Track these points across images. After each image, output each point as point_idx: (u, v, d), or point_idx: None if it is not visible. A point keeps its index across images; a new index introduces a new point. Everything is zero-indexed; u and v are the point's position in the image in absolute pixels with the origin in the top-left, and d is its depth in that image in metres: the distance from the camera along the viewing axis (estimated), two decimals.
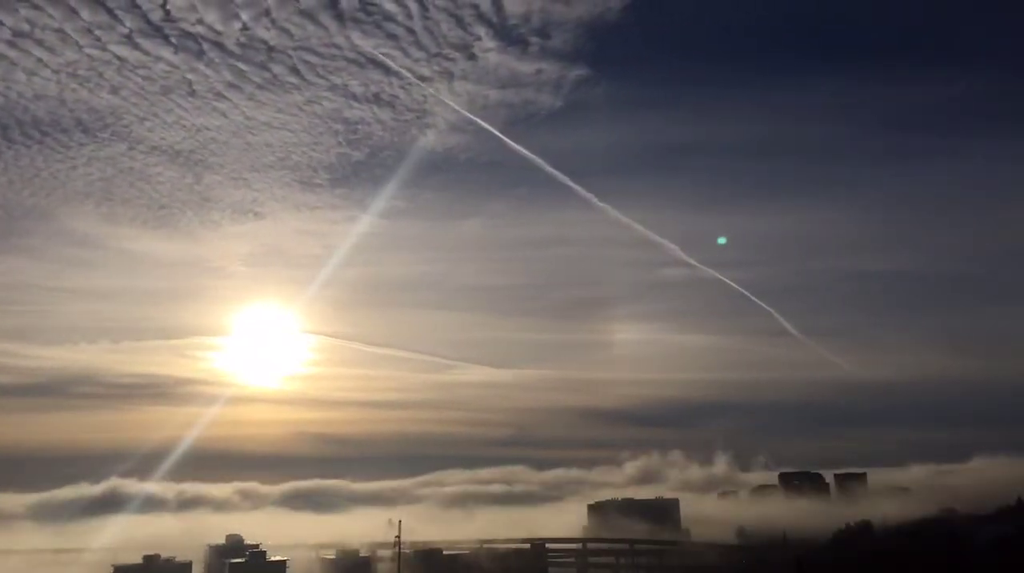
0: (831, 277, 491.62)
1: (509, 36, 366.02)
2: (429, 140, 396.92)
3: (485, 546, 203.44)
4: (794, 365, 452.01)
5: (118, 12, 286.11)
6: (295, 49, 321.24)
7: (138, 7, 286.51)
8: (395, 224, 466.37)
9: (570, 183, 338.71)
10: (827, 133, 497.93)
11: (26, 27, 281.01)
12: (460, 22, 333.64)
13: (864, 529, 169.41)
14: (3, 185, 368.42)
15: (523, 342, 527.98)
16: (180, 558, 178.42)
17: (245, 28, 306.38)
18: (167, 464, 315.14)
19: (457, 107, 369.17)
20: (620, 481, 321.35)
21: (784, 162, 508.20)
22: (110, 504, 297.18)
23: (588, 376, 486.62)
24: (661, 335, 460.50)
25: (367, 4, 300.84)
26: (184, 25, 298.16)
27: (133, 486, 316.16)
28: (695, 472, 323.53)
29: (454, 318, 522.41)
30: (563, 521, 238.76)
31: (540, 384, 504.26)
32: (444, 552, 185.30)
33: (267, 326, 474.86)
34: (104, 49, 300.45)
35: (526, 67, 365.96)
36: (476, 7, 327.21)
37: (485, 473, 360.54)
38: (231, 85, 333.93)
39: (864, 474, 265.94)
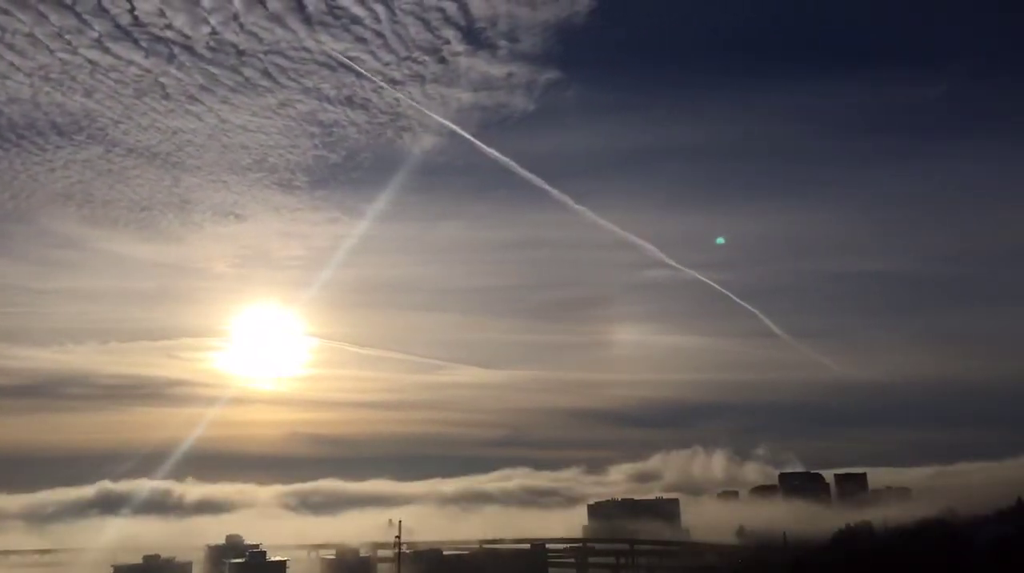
0: (813, 278, 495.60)
1: (478, 39, 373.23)
2: (406, 143, 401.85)
3: (485, 546, 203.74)
4: (783, 366, 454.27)
5: (87, 16, 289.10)
6: (265, 53, 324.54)
7: (106, 11, 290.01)
8: (377, 226, 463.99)
9: (546, 186, 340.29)
10: (802, 134, 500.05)
11: None
12: (428, 25, 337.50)
13: (864, 530, 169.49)
14: None
15: (511, 343, 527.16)
16: (180, 559, 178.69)
17: (214, 32, 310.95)
18: (163, 464, 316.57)
19: (430, 110, 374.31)
20: (619, 482, 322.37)
21: (760, 164, 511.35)
22: (103, 505, 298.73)
23: (579, 377, 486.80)
24: (649, 336, 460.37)
25: (334, 7, 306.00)
26: (153, 29, 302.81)
27: (128, 487, 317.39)
28: (694, 472, 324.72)
29: (441, 319, 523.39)
30: (563, 521, 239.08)
31: (532, 385, 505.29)
32: (444, 552, 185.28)
33: (256, 327, 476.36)
34: (75, 53, 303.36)
35: (497, 70, 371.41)
36: (442, 11, 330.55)
37: (483, 473, 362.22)
38: (203, 88, 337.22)
39: (864, 475, 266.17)
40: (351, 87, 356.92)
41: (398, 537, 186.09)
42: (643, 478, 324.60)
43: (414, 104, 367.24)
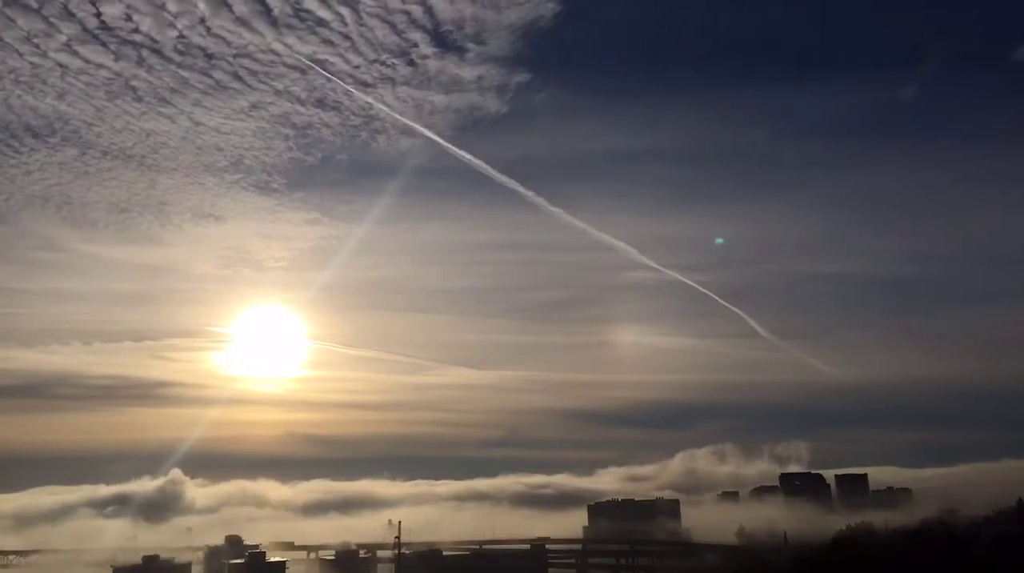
0: (792, 280, 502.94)
1: (445, 42, 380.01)
2: (380, 145, 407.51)
3: (485, 547, 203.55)
4: (772, 367, 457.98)
5: (54, 20, 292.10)
6: (234, 56, 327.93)
7: (73, 15, 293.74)
8: (358, 228, 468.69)
9: (521, 189, 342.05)
10: (777, 136, 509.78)
11: None
12: (394, 28, 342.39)
13: (864, 530, 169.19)
14: None
15: (499, 344, 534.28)
16: (179, 559, 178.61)
17: (181, 36, 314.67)
18: (159, 465, 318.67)
19: (403, 113, 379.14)
20: (619, 481, 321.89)
21: (734, 166, 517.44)
22: (99, 505, 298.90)
23: (570, 378, 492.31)
24: (636, 337, 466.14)
25: (299, 10, 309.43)
26: (121, 33, 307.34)
27: (127, 487, 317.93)
28: (695, 471, 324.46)
29: (428, 320, 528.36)
30: (562, 521, 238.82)
31: (522, 386, 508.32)
32: (444, 552, 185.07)
33: (243, 328, 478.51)
34: (45, 56, 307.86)
35: (467, 72, 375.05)
36: (408, 13, 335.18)
37: (482, 473, 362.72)
38: (174, 91, 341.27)
39: (864, 475, 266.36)
40: (322, 90, 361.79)
41: (398, 537, 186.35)
42: (671, 477, 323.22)
43: (385, 108, 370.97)
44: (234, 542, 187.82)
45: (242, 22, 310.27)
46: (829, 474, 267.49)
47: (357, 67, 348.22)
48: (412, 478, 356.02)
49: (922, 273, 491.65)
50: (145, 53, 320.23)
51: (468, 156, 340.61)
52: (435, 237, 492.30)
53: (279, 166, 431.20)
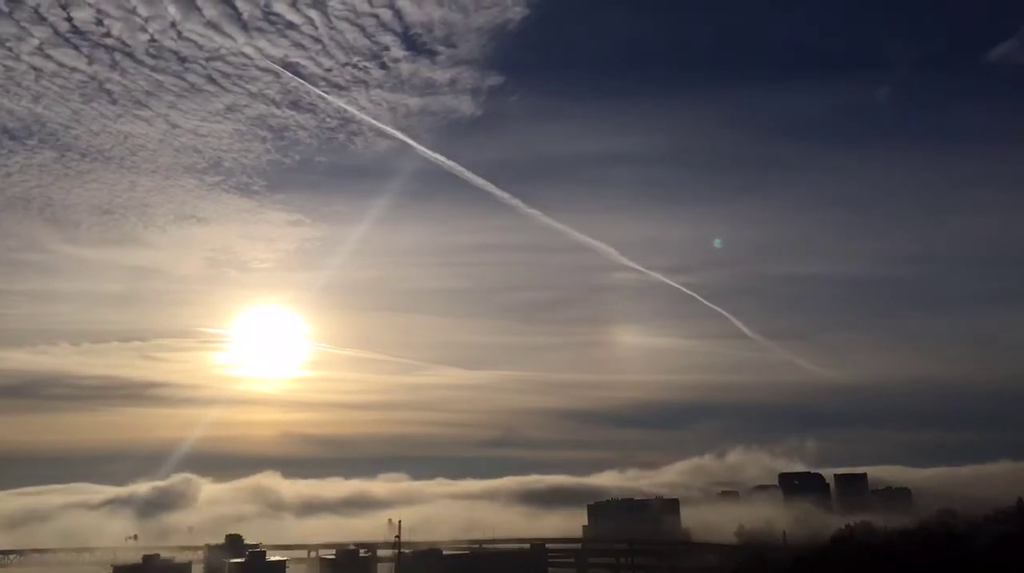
0: (773, 281, 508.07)
1: (416, 45, 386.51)
2: (358, 147, 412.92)
3: (485, 546, 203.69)
4: (760, 368, 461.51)
5: (25, 24, 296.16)
6: (207, 59, 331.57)
7: (44, 19, 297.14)
8: (340, 229, 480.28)
9: (498, 191, 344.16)
10: (747, 140, 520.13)
11: None
12: (364, 31, 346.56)
13: (864, 530, 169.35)
14: None
15: (487, 344, 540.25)
16: (179, 559, 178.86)
17: (153, 40, 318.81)
18: (156, 464, 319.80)
19: (377, 115, 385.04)
20: (617, 481, 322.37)
21: (709, 169, 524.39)
22: (96, 504, 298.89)
23: (561, 377, 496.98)
24: (623, 338, 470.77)
25: (269, 14, 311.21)
26: (93, 37, 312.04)
27: (124, 486, 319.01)
28: (695, 471, 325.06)
29: (415, 320, 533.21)
30: (562, 521, 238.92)
31: (515, 386, 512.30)
32: (444, 552, 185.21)
33: (232, 328, 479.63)
34: (19, 59, 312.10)
35: (439, 75, 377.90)
36: (376, 16, 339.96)
37: (480, 473, 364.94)
38: (149, 93, 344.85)
39: (864, 475, 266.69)
40: (296, 92, 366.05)
41: (398, 537, 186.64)
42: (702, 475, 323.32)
43: (357, 113, 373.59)
44: (234, 541, 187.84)
45: (212, 26, 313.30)
46: (828, 474, 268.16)
47: (329, 70, 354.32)
48: (411, 478, 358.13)
49: (904, 274, 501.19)
50: (118, 56, 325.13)
51: (444, 159, 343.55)
52: (416, 239, 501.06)
53: (258, 168, 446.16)
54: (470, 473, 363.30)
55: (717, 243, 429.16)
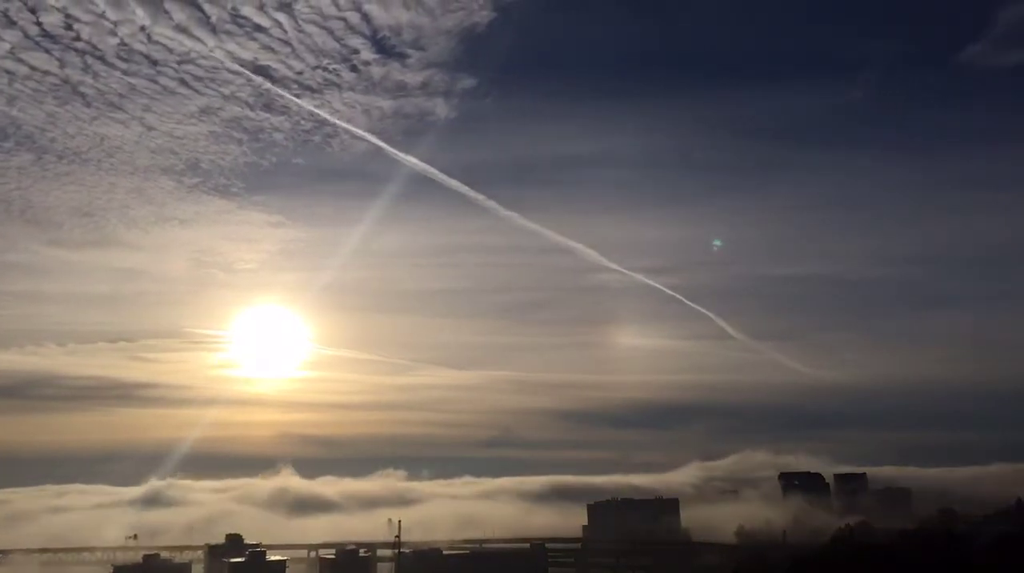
0: (753, 282, 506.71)
1: (386, 48, 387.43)
2: (335, 148, 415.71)
3: (484, 546, 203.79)
4: (749, 368, 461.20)
5: None
6: (179, 62, 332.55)
7: (14, 22, 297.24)
8: (321, 231, 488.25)
9: (474, 193, 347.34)
10: (722, 142, 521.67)
11: None
12: (333, 34, 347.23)
13: (864, 529, 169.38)
14: None
15: (476, 345, 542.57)
16: (179, 559, 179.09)
17: (123, 43, 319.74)
18: (153, 464, 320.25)
19: (351, 118, 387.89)
20: (617, 481, 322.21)
21: (681, 171, 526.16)
22: (95, 504, 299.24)
23: (553, 378, 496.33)
24: (610, 338, 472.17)
25: (237, 16, 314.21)
26: (64, 41, 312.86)
27: (122, 486, 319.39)
28: (695, 471, 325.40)
29: (403, 321, 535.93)
30: (562, 521, 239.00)
31: (506, 386, 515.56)
32: (444, 552, 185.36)
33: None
34: None
35: (411, 78, 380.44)
36: (344, 19, 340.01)
37: (478, 473, 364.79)
38: (123, 96, 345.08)
39: (864, 475, 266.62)
40: (268, 95, 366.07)
41: (398, 536, 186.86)
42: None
43: (329, 117, 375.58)
44: (234, 541, 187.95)
45: (182, 29, 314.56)
46: (828, 474, 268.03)
47: (301, 73, 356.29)
48: (410, 478, 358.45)
49: (884, 275, 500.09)
50: (89, 60, 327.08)
51: (420, 163, 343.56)
52: (397, 240, 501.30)
53: (236, 170, 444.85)
54: (469, 473, 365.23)
55: (717, 244, 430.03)
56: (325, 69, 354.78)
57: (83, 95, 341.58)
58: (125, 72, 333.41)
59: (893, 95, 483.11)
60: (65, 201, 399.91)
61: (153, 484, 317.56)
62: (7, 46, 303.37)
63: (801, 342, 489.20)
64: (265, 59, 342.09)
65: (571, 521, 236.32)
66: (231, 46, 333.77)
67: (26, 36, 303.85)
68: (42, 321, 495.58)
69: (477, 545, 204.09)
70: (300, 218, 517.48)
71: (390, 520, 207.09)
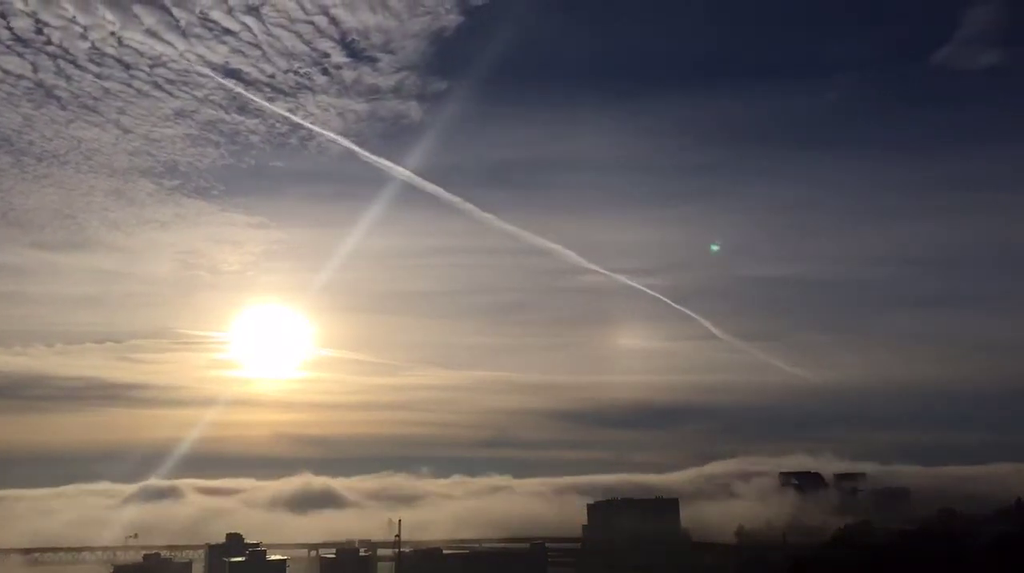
0: (733, 283, 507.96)
1: (355, 52, 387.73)
2: (311, 151, 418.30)
3: (485, 546, 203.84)
4: (738, 369, 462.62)
5: None
6: (150, 66, 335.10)
7: None
8: (303, 232, 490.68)
9: (451, 196, 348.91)
10: (691, 145, 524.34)
11: None
12: (302, 38, 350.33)
13: (863, 529, 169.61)
14: None
15: (464, 345, 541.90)
16: (179, 558, 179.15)
17: (94, 48, 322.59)
18: (150, 464, 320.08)
19: (326, 121, 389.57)
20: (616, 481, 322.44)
21: (654, 174, 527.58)
22: (94, 504, 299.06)
23: (544, 378, 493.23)
24: (595, 339, 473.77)
25: (206, 20, 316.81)
26: (35, 45, 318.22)
27: (121, 486, 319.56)
28: (694, 471, 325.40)
29: (391, 322, 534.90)
30: (562, 521, 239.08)
31: (499, 386, 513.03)
32: (444, 552, 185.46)
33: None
34: None
35: (383, 81, 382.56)
36: (312, 23, 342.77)
37: (476, 473, 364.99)
38: (97, 99, 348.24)
39: (863, 475, 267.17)
40: (242, 98, 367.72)
41: (398, 537, 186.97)
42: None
43: (302, 121, 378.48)
44: (234, 540, 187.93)
45: (152, 33, 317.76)
46: (828, 473, 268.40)
47: (272, 76, 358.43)
48: (409, 478, 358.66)
49: (864, 276, 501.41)
50: (62, 63, 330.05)
51: (395, 166, 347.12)
52: (379, 242, 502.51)
53: (215, 172, 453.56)
54: (467, 473, 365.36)
55: (714, 248, 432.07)
56: (296, 72, 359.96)
57: (58, 98, 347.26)
58: (98, 76, 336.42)
59: (869, 96, 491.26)
60: (47, 203, 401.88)
61: (148, 484, 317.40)
62: None
63: (786, 342, 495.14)
64: (236, 62, 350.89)
65: (571, 521, 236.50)
66: (201, 49, 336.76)
67: None
68: (29, 322, 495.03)
69: (477, 545, 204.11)
70: (282, 220, 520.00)
71: (390, 520, 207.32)
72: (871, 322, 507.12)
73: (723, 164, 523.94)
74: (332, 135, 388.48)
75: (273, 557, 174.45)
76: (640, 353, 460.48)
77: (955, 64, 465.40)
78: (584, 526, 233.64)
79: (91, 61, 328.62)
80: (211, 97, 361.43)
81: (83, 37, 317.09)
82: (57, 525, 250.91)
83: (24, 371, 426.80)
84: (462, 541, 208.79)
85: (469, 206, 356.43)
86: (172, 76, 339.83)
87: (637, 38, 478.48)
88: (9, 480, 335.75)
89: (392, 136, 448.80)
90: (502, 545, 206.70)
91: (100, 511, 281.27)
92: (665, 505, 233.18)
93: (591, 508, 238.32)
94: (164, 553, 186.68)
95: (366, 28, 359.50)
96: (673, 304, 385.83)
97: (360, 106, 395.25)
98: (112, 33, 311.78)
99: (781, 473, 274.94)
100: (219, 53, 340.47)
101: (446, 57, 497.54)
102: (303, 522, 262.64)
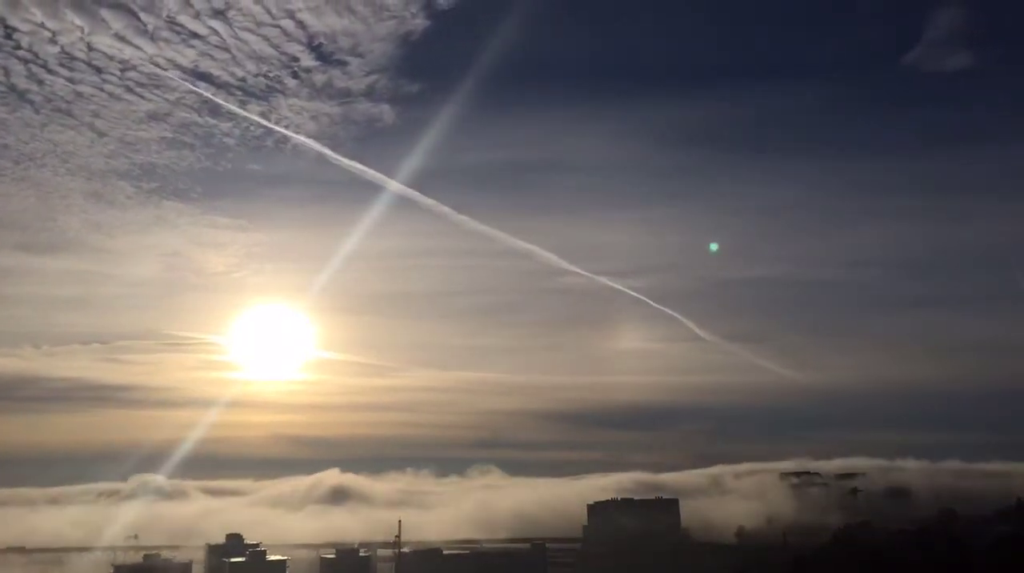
0: (715, 285, 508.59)
1: (324, 55, 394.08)
2: (287, 153, 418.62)
3: (485, 546, 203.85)
4: (726, 370, 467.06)
5: None
6: (121, 70, 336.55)
7: None
8: (286, 235, 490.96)
9: (426, 199, 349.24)
10: (666, 148, 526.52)
11: None
12: (269, 42, 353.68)
13: (863, 529, 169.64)
14: None
15: (453, 346, 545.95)
16: (179, 558, 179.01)
17: (64, 52, 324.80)
18: (148, 464, 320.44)
19: (300, 124, 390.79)
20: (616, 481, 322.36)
21: (628, 177, 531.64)
22: (94, 504, 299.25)
23: (535, 379, 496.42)
24: (581, 341, 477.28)
25: (173, 24, 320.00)
26: (5, 49, 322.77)
27: (120, 486, 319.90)
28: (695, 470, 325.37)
29: (379, 323, 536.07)
30: (562, 521, 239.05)
31: (487, 388, 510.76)
32: (444, 552, 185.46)
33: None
34: None
35: (354, 85, 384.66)
36: (279, 27, 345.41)
37: (475, 473, 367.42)
38: (70, 103, 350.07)
39: (864, 475, 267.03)
40: (213, 102, 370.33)
41: (398, 537, 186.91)
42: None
43: (273, 127, 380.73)
44: (234, 540, 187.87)
45: (120, 37, 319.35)
46: (828, 473, 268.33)
47: (243, 79, 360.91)
48: (408, 477, 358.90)
49: (845, 276, 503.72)
50: (34, 68, 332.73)
51: (368, 170, 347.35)
52: (359, 244, 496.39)
53: (192, 174, 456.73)
54: (466, 473, 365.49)
55: (713, 248, 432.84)
56: (266, 76, 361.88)
57: (31, 102, 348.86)
58: (69, 79, 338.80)
59: (850, 97, 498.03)
60: (28, 206, 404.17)
61: (142, 484, 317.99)
62: None
63: (772, 344, 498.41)
64: (206, 66, 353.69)
65: (571, 521, 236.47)
66: (170, 53, 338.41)
67: None
68: (14, 323, 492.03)
69: (477, 545, 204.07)
70: (263, 222, 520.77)
71: (398, 520, 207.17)
72: (855, 323, 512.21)
73: (702, 166, 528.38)
74: (305, 139, 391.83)
75: (273, 558, 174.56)
76: (631, 354, 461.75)
77: (925, 66, 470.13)
78: (584, 526, 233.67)
79: (62, 65, 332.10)
80: (183, 100, 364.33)
81: (52, 42, 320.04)
82: (55, 526, 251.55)
83: (13, 372, 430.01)
84: (462, 541, 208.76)
85: (445, 209, 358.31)
86: (143, 79, 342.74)
87: (609, 38, 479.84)
88: (3, 480, 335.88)
89: (367, 139, 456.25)
90: (502, 545, 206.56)
91: (95, 511, 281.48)
92: (665, 505, 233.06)
93: (591, 508, 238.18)
94: (163, 553, 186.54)
95: (333, 32, 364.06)
96: (656, 305, 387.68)
97: (333, 109, 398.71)
98: (81, 37, 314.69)
99: (781, 473, 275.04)
100: (187, 56, 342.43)
101: (416, 60, 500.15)
102: (302, 522, 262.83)
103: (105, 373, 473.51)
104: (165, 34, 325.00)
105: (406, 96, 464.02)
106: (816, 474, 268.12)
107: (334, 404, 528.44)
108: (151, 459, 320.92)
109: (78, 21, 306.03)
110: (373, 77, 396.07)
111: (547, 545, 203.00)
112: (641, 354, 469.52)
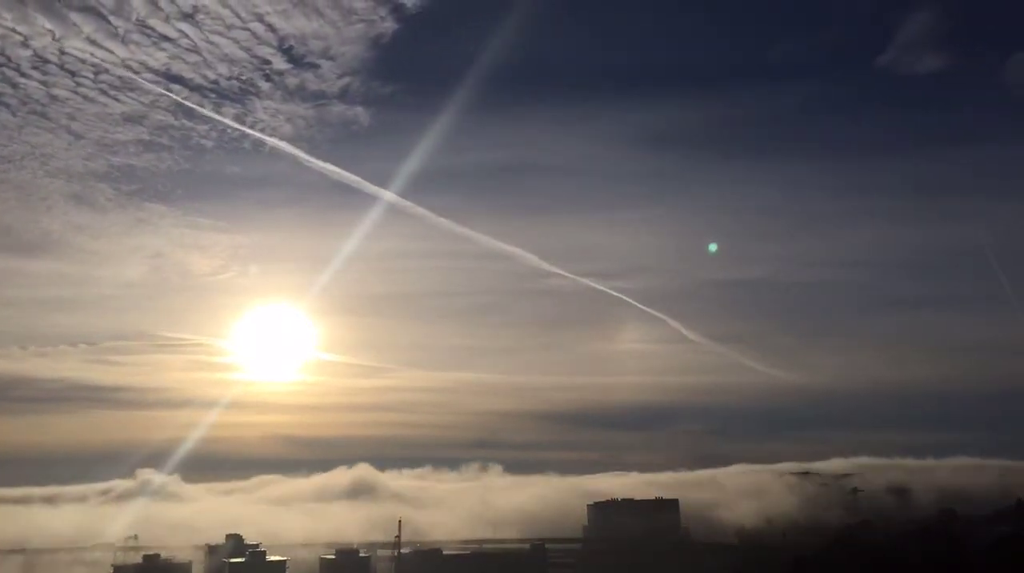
0: (701, 286, 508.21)
1: (296, 58, 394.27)
2: (265, 154, 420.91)
3: (485, 546, 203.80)
4: (717, 370, 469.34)
5: None
6: (95, 72, 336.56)
7: None
8: (269, 237, 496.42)
9: (405, 201, 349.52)
10: (646, 151, 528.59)
11: None
12: (239, 44, 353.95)
13: (863, 529, 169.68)
14: None
15: (444, 347, 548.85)
16: (179, 558, 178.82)
17: (37, 55, 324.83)
18: (146, 464, 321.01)
19: (276, 127, 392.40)
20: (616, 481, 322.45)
21: (607, 180, 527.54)
22: (93, 504, 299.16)
23: (529, 380, 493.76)
24: (570, 342, 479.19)
25: (143, 26, 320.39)
26: None
27: (120, 485, 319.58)
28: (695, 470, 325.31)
29: (366, 323, 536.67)
30: (562, 521, 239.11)
31: (479, 388, 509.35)
32: (444, 552, 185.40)
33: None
34: None
35: (328, 87, 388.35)
36: (249, 30, 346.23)
37: (473, 473, 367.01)
38: (45, 105, 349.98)
39: (863, 475, 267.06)
40: (187, 104, 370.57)
41: (398, 537, 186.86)
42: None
43: (249, 131, 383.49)
44: (234, 540, 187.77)
45: (92, 41, 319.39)
46: (827, 473, 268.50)
47: (215, 82, 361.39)
48: (407, 477, 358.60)
49: (824, 277, 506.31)
50: (7, 71, 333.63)
51: (346, 173, 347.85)
52: (340, 245, 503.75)
53: (172, 176, 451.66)
54: (465, 473, 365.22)
55: (712, 249, 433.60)
56: (239, 79, 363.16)
57: (7, 104, 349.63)
58: (43, 83, 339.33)
59: (824, 100, 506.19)
60: (8, 207, 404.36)
61: (140, 484, 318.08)
62: None
63: (760, 345, 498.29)
64: (178, 68, 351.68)
65: (571, 521, 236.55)
66: (142, 56, 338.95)
67: None
68: (1, 324, 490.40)
69: (477, 545, 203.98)
70: (245, 224, 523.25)
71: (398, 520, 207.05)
72: (838, 324, 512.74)
73: (682, 169, 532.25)
74: (280, 142, 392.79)
75: (273, 558, 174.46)
76: (622, 355, 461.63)
77: (897, 69, 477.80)
78: (585, 526, 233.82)
79: (35, 68, 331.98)
80: (158, 103, 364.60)
81: (24, 45, 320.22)
82: (52, 525, 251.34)
83: (2, 373, 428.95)
84: (462, 541, 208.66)
85: (425, 211, 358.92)
86: (116, 82, 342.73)
87: (586, 39, 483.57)
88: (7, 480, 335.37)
89: (343, 141, 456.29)
90: (502, 545, 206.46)
91: (90, 511, 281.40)
92: (665, 505, 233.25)
93: (591, 508, 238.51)
94: (163, 554, 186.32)
95: (303, 35, 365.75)
96: (641, 306, 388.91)
97: (308, 111, 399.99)
98: (53, 41, 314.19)
99: (780, 473, 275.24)
100: (159, 59, 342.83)
101: (388, 63, 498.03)
102: (302, 522, 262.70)
103: (94, 374, 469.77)
104: (136, 37, 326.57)
105: (380, 98, 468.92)
106: (816, 474, 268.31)
107: (322, 404, 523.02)
108: (144, 459, 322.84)
109: (48, 25, 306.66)
110: (346, 79, 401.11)
111: (547, 545, 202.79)
112: (639, 355, 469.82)
